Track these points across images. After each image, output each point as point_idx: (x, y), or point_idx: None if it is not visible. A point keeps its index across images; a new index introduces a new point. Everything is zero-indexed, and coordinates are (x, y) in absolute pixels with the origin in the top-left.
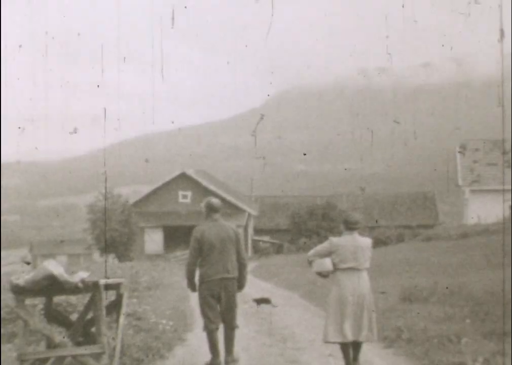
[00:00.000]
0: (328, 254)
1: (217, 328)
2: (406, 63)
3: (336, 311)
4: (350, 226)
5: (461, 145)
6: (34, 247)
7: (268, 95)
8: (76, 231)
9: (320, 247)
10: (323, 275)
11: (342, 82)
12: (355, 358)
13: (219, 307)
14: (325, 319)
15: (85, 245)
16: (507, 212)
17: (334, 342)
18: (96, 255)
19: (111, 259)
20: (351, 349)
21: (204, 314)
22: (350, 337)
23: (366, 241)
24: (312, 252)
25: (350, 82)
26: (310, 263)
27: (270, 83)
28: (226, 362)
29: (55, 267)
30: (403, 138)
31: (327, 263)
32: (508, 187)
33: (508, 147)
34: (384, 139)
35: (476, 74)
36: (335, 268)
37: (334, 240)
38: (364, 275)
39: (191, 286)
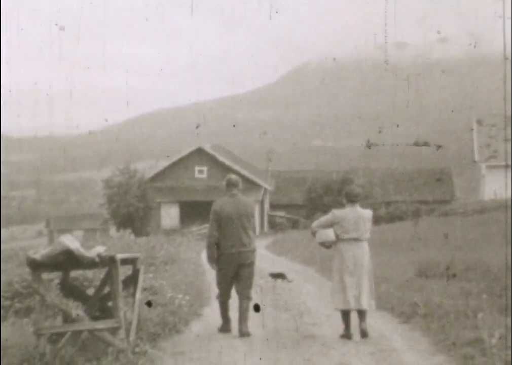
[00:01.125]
0: (331, 225)
1: (229, 298)
2: (423, 38)
3: (340, 279)
4: (352, 199)
5: (477, 120)
6: (50, 222)
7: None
8: (92, 207)
9: (324, 219)
10: (325, 245)
11: (360, 56)
12: (362, 325)
13: (235, 280)
14: (331, 287)
15: (102, 220)
16: None
17: (337, 309)
18: (113, 230)
19: (128, 234)
20: (351, 317)
21: (220, 286)
22: (352, 305)
23: (367, 213)
24: (315, 223)
25: (368, 56)
26: (314, 234)
27: (287, 58)
28: (240, 332)
29: (71, 242)
30: (420, 113)
31: (330, 234)
32: None
33: None
34: (400, 115)
35: (493, 49)
36: (338, 239)
37: (337, 212)
38: (365, 245)
39: (211, 258)
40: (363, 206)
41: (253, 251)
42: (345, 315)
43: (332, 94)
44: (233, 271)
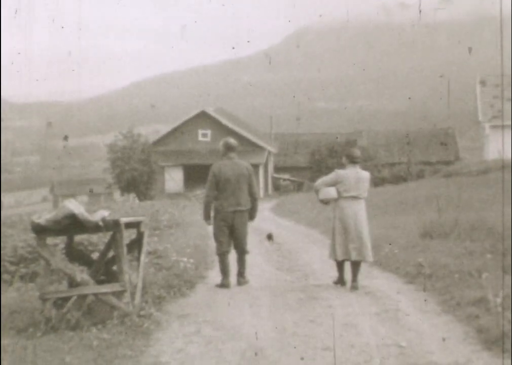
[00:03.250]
0: (334, 184)
1: (227, 252)
2: None
3: (340, 232)
4: (353, 160)
5: (480, 80)
6: (54, 187)
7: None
8: (96, 171)
9: (328, 178)
10: (324, 202)
11: (363, 18)
12: (355, 277)
13: (232, 236)
14: (331, 239)
15: (106, 184)
16: None
17: (336, 260)
18: (117, 195)
19: (132, 198)
20: (346, 268)
21: (217, 239)
22: (354, 256)
23: (366, 174)
24: (319, 181)
25: (370, 18)
26: (317, 191)
27: (289, 21)
28: (239, 282)
29: (76, 206)
30: (424, 74)
31: (332, 192)
32: None
33: None
34: (405, 76)
35: (497, 10)
36: (339, 197)
37: (340, 171)
38: (363, 203)
39: (207, 216)
40: (367, 167)
41: (247, 210)
42: (341, 265)
43: (336, 55)
44: (229, 227)
